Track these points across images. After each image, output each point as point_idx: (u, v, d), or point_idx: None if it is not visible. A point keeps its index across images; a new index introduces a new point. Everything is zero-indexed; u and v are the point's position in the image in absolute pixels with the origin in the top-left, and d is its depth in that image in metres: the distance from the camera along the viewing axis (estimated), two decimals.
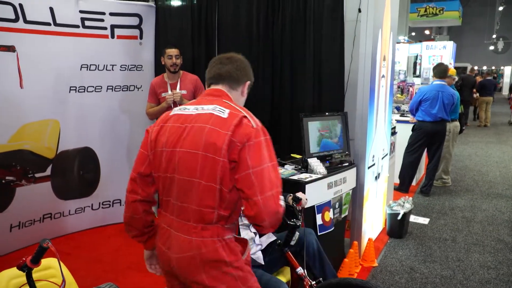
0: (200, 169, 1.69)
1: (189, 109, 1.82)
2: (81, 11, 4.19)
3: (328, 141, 3.57)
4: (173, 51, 4.09)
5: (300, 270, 2.39)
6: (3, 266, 2.09)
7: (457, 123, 6.46)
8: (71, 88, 4.25)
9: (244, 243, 1.81)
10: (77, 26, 4.19)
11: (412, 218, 5.00)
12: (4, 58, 3.75)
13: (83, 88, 4.33)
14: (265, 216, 1.64)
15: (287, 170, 3.33)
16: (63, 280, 1.65)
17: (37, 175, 4.15)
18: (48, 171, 4.23)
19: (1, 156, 3.85)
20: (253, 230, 2.64)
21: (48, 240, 1.65)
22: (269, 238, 2.68)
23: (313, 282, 2.36)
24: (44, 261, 1.98)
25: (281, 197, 1.70)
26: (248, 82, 1.95)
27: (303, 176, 3.18)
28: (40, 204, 4.19)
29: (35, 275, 1.82)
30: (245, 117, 1.72)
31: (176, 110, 1.86)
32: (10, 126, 3.90)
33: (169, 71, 4.14)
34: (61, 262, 1.91)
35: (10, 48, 3.77)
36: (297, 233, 2.43)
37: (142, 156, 1.86)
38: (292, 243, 2.44)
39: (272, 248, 2.60)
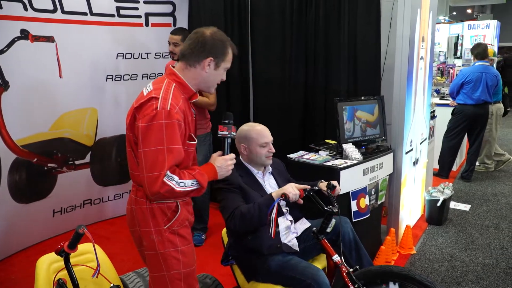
0: (127, 136, 1.93)
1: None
2: (116, 0, 4.23)
3: (363, 126, 3.49)
4: (171, 38, 3.77)
5: (336, 257, 2.35)
6: (48, 249, 2.16)
7: (501, 105, 6.20)
8: (108, 77, 4.32)
9: (172, 214, 1.90)
10: (113, 15, 4.23)
11: (452, 205, 4.85)
12: (44, 48, 3.83)
13: (119, 76, 4.40)
14: (148, 193, 1.77)
15: (321, 156, 3.28)
16: (98, 265, 1.70)
17: (77, 162, 4.26)
18: (87, 158, 4.34)
19: (43, 143, 3.97)
20: (289, 218, 2.61)
21: (83, 226, 1.70)
22: (303, 224, 2.66)
23: (350, 270, 2.33)
24: (83, 246, 2.04)
25: (173, 178, 1.75)
26: (210, 59, 1.90)
27: (338, 162, 3.13)
28: (80, 190, 4.32)
29: (74, 259, 1.88)
30: (155, 98, 1.78)
31: None
32: (51, 115, 4.00)
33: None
34: (98, 247, 1.97)
35: (50, 39, 3.85)
36: (333, 220, 2.40)
37: None
38: (328, 230, 2.41)
39: (307, 235, 2.58)
